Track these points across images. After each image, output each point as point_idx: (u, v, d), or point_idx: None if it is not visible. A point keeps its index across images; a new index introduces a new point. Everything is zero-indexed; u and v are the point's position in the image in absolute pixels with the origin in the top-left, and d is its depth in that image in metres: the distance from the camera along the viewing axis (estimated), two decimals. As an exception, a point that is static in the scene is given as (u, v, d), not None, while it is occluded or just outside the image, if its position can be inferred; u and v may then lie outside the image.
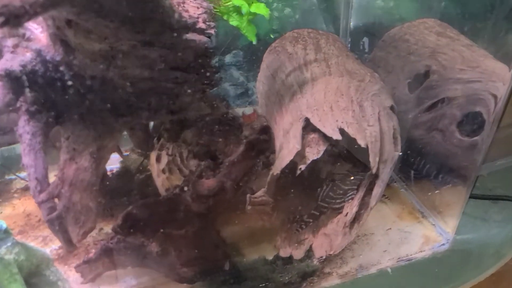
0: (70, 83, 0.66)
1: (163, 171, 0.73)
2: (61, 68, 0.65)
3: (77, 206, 0.73)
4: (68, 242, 0.74)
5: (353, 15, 1.19)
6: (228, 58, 1.28)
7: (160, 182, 0.73)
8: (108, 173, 0.96)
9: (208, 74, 0.73)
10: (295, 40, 1.00)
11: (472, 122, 0.89)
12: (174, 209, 0.66)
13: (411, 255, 0.88)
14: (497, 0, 0.95)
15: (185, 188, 0.65)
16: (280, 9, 1.20)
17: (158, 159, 0.75)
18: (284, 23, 1.22)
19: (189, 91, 0.70)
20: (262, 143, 0.68)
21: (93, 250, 0.68)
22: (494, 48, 0.92)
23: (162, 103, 0.70)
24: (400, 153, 0.81)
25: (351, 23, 1.19)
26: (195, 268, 0.72)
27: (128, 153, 1.02)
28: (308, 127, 0.79)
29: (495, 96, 0.84)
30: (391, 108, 0.84)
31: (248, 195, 0.73)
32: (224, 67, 1.26)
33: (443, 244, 0.90)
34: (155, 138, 0.83)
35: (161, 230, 0.65)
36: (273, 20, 1.21)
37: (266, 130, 0.69)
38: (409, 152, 0.99)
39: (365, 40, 1.21)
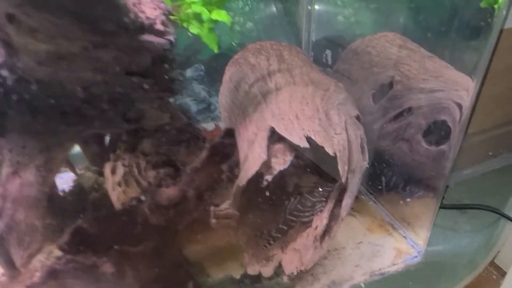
0: (13, 88, 0.60)
1: (119, 184, 0.67)
2: (2, 72, 0.60)
3: (21, 226, 0.65)
4: (11, 266, 0.66)
5: (314, 29, 1.19)
6: (189, 73, 1.24)
7: (116, 196, 0.67)
8: (60, 193, 0.89)
9: (167, 80, 0.69)
10: (257, 51, 0.98)
11: (437, 131, 0.88)
12: (130, 223, 0.60)
13: (383, 268, 0.85)
14: (453, 16, 0.96)
15: (143, 198, 0.60)
16: (241, 23, 1.19)
17: (113, 171, 0.69)
18: (245, 37, 1.21)
19: (146, 97, 0.66)
20: (227, 147, 0.64)
21: (38, 274, 0.60)
22: (453, 63, 0.92)
23: (117, 110, 0.65)
24: (368, 165, 0.80)
25: (313, 37, 1.19)
26: (155, 290, 0.66)
27: (82, 171, 0.95)
28: (273, 137, 0.76)
29: (459, 105, 0.85)
30: (357, 117, 0.83)
31: (212, 208, 0.68)
32: (185, 81, 1.23)
33: (416, 256, 0.88)
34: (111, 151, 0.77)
35: (116, 247, 0.58)
36: (235, 34, 1.20)
37: (231, 133, 0.65)
38: (376, 163, 0.98)
39: (328, 53, 1.21)
